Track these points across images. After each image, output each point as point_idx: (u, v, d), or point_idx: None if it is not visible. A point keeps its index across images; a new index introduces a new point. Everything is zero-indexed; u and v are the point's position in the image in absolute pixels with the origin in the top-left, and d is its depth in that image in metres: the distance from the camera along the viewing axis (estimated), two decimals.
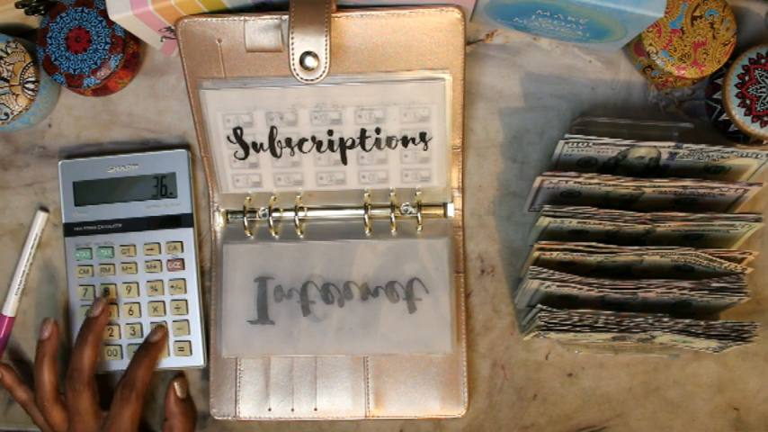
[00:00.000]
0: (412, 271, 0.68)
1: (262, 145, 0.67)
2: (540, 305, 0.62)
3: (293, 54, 0.61)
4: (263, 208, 0.71)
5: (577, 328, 0.62)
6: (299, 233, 0.70)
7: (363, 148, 0.67)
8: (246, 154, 0.68)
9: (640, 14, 0.58)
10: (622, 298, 0.62)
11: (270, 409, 0.70)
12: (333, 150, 0.67)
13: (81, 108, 0.74)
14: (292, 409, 0.70)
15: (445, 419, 0.71)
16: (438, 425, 0.71)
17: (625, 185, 0.62)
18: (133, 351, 0.70)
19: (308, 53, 0.61)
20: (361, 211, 0.70)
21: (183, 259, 0.71)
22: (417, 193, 0.69)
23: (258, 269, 0.70)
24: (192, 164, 0.72)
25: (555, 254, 0.62)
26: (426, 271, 0.68)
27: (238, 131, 0.67)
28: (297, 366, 0.70)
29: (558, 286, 0.62)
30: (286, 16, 0.61)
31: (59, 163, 0.72)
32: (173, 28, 0.64)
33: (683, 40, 0.65)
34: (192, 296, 0.71)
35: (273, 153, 0.68)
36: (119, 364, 0.71)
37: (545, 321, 0.62)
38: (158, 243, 0.71)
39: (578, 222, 0.62)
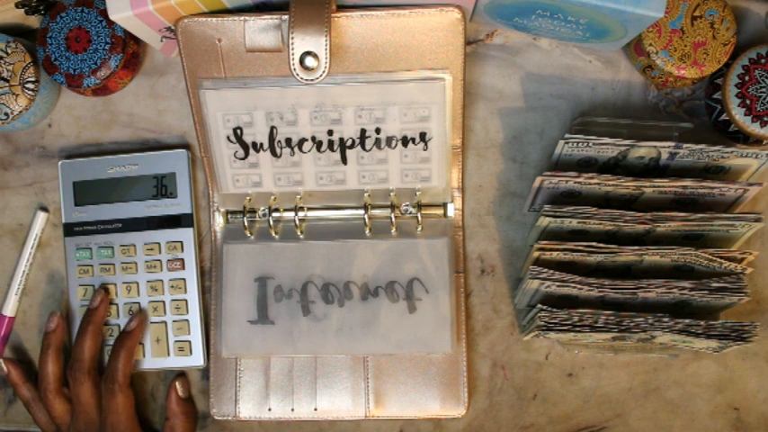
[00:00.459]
0: (412, 271, 0.68)
1: (262, 145, 0.67)
2: (540, 305, 0.62)
3: (293, 54, 0.61)
4: (263, 208, 0.71)
5: (577, 328, 0.62)
6: (299, 233, 0.70)
7: (363, 148, 0.67)
8: (246, 154, 0.68)
9: (640, 14, 0.58)
10: (622, 298, 0.62)
11: (270, 409, 0.70)
12: (333, 150, 0.67)
13: (81, 108, 0.74)
14: (292, 409, 0.70)
15: (445, 419, 0.71)
16: (438, 425, 0.71)
17: (625, 185, 0.62)
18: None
19: (308, 53, 0.61)
20: (361, 211, 0.70)
21: (183, 259, 0.71)
22: (417, 193, 0.69)
23: (258, 269, 0.70)
24: (192, 164, 0.72)
25: (555, 254, 0.62)
26: (426, 271, 0.68)
27: (238, 131, 0.67)
28: (297, 366, 0.70)
29: (558, 286, 0.62)
30: (286, 16, 0.61)
31: (59, 163, 0.72)
32: (173, 28, 0.64)
33: (683, 40, 0.65)
34: (192, 296, 0.71)
35: (273, 153, 0.68)
36: None
37: (545, 321, 0.62)
38: (158, 243, 0.71)
39: (578, 222, 0.62)
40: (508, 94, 0.71)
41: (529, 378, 0.70)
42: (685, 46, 0.65)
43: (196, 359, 0.71)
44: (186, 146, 0.72)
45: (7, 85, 0.69)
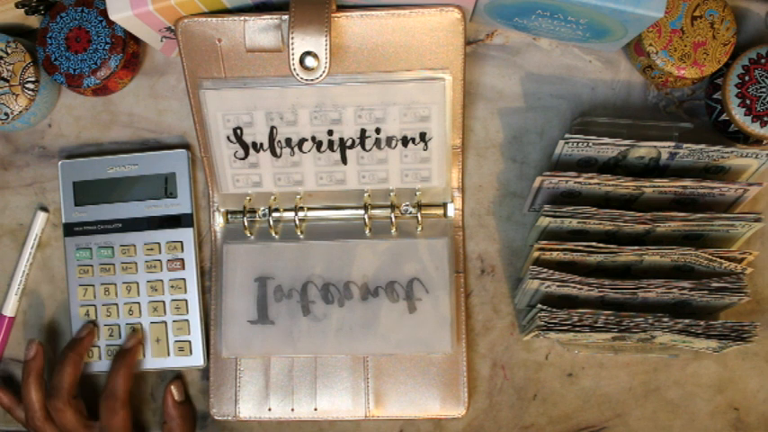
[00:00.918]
0: (412, 271, 0.68)
1: (262, 145, 0.67)
2: (540, 305, 0.62)
3: (293, 54, 0.61)
4: (263, 208, 0.71)
5: (577, 328, 0.62)
6: (299, 233, 0.70)
7: (363, 148, 0.67)
8: (246, 154, 0.68)
9: (640, 14, 0.58)
10: (622, 298, 0.62)
11: (270, 409, 0.70)
12: (333, 150, 0.67)
13: (81, 108, 0.74)
14: (292, 409, 0.70)
15: (445, 419, 0.71)
16: (438, 425, 0.71)
17: (625, 185, 0.62)
18: None
19: (308, 53, 0.61)
20: (361, 211, 0.70)
21: (183, 259, 0.71)
22: (417, 193, 0.69)
23: (258, 269, 0.70)
24: (192, 164, 0.72)
25: (555, 254, 0.62)
26: (426, 271, 0.68)
27: (238, 131, 0.67)
28: (297, 366, 0.70)
29: (557, 286, 0.62)
30: (286, 16, 0.61)
31: (59, 163, 0.72)
32: (173, 28, 0.64)
33: (683, 40, 0.65)
34: (192, 296, 0.71)
35: (273, 153, 0.68)
36: None
37: (545, 321, 0.62)
38: (158, 243, 0.71)
39: (578, 222, 0.62)
40: (508, 94, 0.71)
41: (529, 378, 0.70)
42: (685, 46, 0.65)
43: (196, 359, 0.71)
44: (186, 146, 0.72)
45: (7, 85, 0.69)
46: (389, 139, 0.67)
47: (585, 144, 0.62)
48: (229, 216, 0.71)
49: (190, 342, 0.71)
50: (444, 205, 0.70)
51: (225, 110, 0.66)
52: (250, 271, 0.70)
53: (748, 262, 0.62)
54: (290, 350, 0.69)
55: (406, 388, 0.69)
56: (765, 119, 0.64)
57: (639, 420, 0.70)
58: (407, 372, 0.69)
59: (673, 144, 0.62)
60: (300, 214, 0.70)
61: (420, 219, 0.69)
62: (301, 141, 0.67)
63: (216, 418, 0.70)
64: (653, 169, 0.65)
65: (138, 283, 0.71)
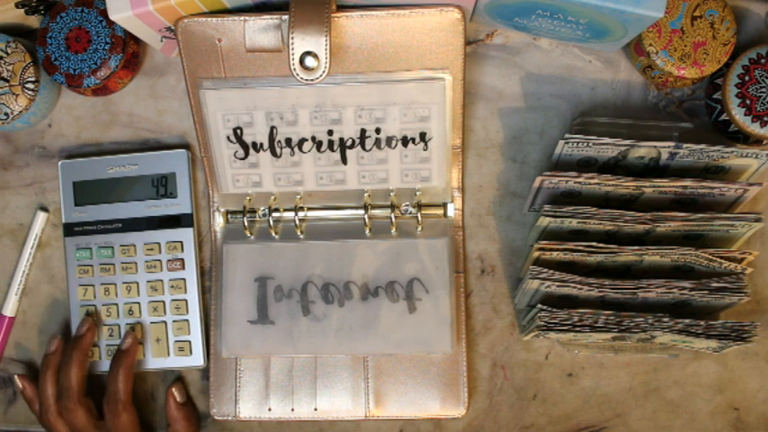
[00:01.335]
0: (412, 271, 0.68)
1: (262, 145, 0.67)
2: (540, 305, 0.62)
3: (293, 54, 0.61)
4: (263, 208, 0.71)
5: (577, 328, 0.62)
6: (299, 233, 0.70)
7: (363, 148, 0.67)
8: (246, 154, 0.68)
9: (640, 14, 0.58)
10: (622, 298, 0.62)
11: (270, 409, 0.70)
12: (333, 150, 0.67)
13: (81, 108, 0.74)
14: (292, 409, 0.70)
15: (445, 419, 0.71)
16: (438, 425, 0.71)
17: (625, 185, 0.62)
18: None
19: (308, 53, 0.61)
20: (361, 211, 0.70)
21: (183, 259, 0.71)
22: (417, 193, 0.69)
23: (258, 269, 0.70)
24: (192, 164, 0.72)
25: (555, 254, 0.62)
26: (426, 271, 0.68)
27: (238, 131, 0.67)
28: (297, 366, 0.70)
29: (557, 286, 0.62)
30: (286, 16, 0.61)
31: (59, 163, 0.72)
32: (173, 28, 0.64)
33: (683, 40, 0.65)
34: (192, 296, 0.71)
35: (273, 153, 0.68)
36: None
37: (545, 321, 0.62)
38: (158, 243, 0.71)
39: (578, 222, 0.62)
40: (508, 94, 0.71)
41: (529, 378, 0.70)
42: (685, 46, 0.65)
43: (196, 359, 0.71)
44: (186, 146, 0.72)
45: (7, 85, 0.69)
46: (389, 139, 0.67)
47: (585, 144, 0.62)
48: (229, 216, 0.71)
49: (190, 342, 0.71)
50: (444, 205, 0.70)
51: (225, 110, 0.66)
52: (250, 271, 0.70)
53: (748, 262, 0.62)
54: (290, 350, 0.69)
55: (406, 388, 0.69)
56: (765, 119, 0.64)
57: (639, 420, 0.70)
58: (407, 372, 0.69)
59: (673, 144, 0.62)
60: (300, 214, 0.70)
61: (420, 219, 0.69)
62: (301, 141, 0.67)
63: (216, 418, 0.70)
64: (653, 169, 0.65)
65: (138, 283, 0.71)
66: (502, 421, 0.70)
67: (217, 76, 0.65)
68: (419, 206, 0.69)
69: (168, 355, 0.71)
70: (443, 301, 0.67)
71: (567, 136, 0.62)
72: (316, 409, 0.70)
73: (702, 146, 0.62)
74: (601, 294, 0.62)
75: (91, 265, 0.71)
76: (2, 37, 0.69)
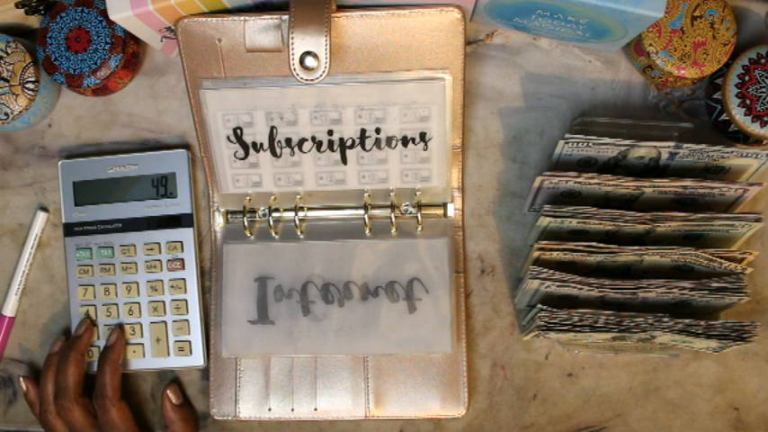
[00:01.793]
0: (412, 271, 0.68)
1: (262, 145, 0.67)
2: (540, 305, 0.62)
3: (293, 54, 0.61)
4: (263, 208, 0.71)
5: (577, 328, 0.62)
6: (299, 233, 0.70)
7: (363, 148, 0.67)
8: (246, 154, 0.68)
9: (640, 14, 0.58)
10: (622, 298, 0.62)
11: (270, 409, 0.70)
12: (333, 150, 0.67)
13: (81, 108, 0.74)
14: (292, 409, 0.70)
15: (445, 419, 0.71)
16: (438, 425, 0.71)
17: (625, 185, 0.62)
18: (133, 351, 0.71)
19: (308, 53, 0.61)
20: (361, 211, 0.70)
21: (183, 259, 0.71)
22: (417, 193, 0.69)
23: (258, 269, 0.70)
24: (192, 164, 0.72)
25: (555, 254, 0.62)
26: (426, 271, 0.68)
27: (238, 131, 0.67)
28: (297, 366, 0.70)
29: (557, 286, 0.62)
30: (286, 16, 0.61)
31: (59, 163, 0.72)
32: (173, 28, 0.64)
33: (683, 40, 0.65)
34: (192, 296, 0.71)
35: (273, 153, 0.68)
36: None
37: (545, 321, 0.62)
38: (158, 243, 0.71)
39: (578, 222, 0.62)
40: (508, 94, 0.71)
41: (529, 378, 0.70)
42: (685, 46, 0.65)
43: (196, 359, 0.71)
44: (186, 146, 0.72)
45: (7, 85, 0.69)
46: (389, 139, 0.67)
47: (585, 144, 0.62)
48: (229, 216, 0.71)
49: (190, 342, 0.71)
50: (444, 205, 0.70)
51: (225, 110, 0.66)
52: (250, 271, 0.70)
53: (748, 262, 0.62)
54: (290, 350, 0.69)
55: (406, 388, 0.69)
56: (765, 119, 0.64)
57: (639, 420, 0.70)
58: (407, 372, 0.69)
59: (673, 144, 0.62)
60: (300, 214, 0.70)
61: (420, 219, 0.69)
62: (301, 141, 0.67)
63: (216, 418, 0.70)
64: (653, 169, 0.65)
65: (138, 283, 0.71)
66: (502, 421, 0.70)
67: (217, 76, 0.65)
68: (419, 206, 0.69)
69: (168, 355, 0.71)
70: (443, 301, 0.67)
71: (567, 136, 0.62)
72: (316, 409, 0.70)
73: (702, 146, 0.62)
74: (601, 294, 0.62)
75: (91, 265, 0.71)
76: (2, 37, 0.69)
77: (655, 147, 0.62)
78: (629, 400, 0.70)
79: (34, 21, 0.73)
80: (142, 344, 0.71)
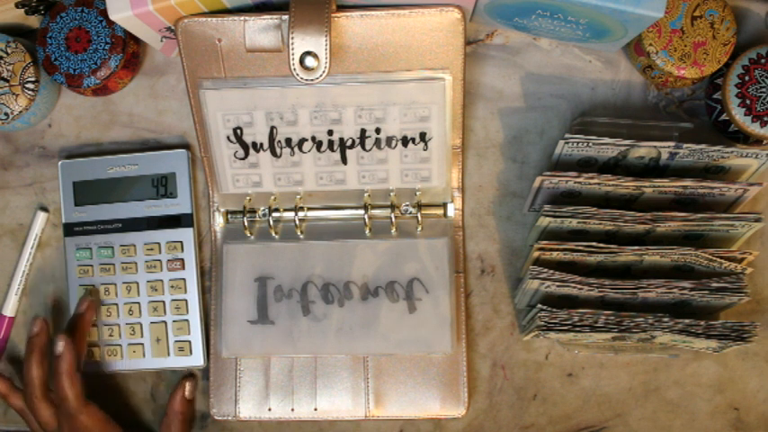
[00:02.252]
0: (412, 271, 0.68)
1: (262, 145, 0.67)
2: (540, 305, 0.62)
3: (293, 54, 0.61)
4: (263, 208, 0.71)
5: (577, 328, 0.62)
6: (299, 233, 0.70)
7: (363, 148, 0.67)
8: (246, 154, 0.68)
9: (640, 14, 0.58)
10: (622, 298, 0.62)
11: (270, 409, 0.70)
12: (333, 150, 0.67)
13: (81, 108, 0.74)
14: (292, 409, 0.70)
15: (445, 419, 0.70)
16: (438, 425, 0.71)
17: (625, 185, 0.62)
18: (133, 351, 0.71)
19: (308, 53, 0.61)
20: (361, 211, 0.70)
21: (183, 259, 0.71)
22: (417, 193, 0.69)
23: (258, 269, 0.70)
24: (192, 164, 0.72)
25: (555, 254, 0.62)
26: (426, 271, 0.68)
27: (238, 131, 0.67)
28: (297, 366, 0.70)
29: (557, 286, 0.62)
30: (286, 16, 0.61)
31: (59, 163, 0.72)
32: (173, 28, 0.64)
33: (683, 40, 0.65)
34: (192, 296, 0.71)
35: (273, 153, 0.68)
36: (119, 364, 0.71)
37: (545, 321, 0.62)
38: (158, 243, 0.71)
39: (578, 222, 0.62)
40: (508, 94, 0.71)
41: (529, 378, 0.70)
42: (685, 46, 0.65)
43: (196, 359, 0.71)
44: (186, 146, 0.72)
45: (7, 85, 0.69)
46: (389, 139, 0.67)
47: (585, 144, 0.62)
48: (229, 216, 0.71)
49: (190, 342, 0.71)
50: (444, 205, 0.70)
51: (225, 110, 0.66)
52: (250, 271, 0.70)
53: (748, 262, 0.62)
54: (290, 350, 0.69)
55: (406, 388, 0.69)
56: (765, 119, 0.64)
57: (639, 420, 0.70)
58: (407, 372, 0.69)
59: (673, 144, 0.62)
60: (300, 214, 0.70)
61: (420, 219, 0.69)
62: (301, 141, 0.67)
63: (216, 418, 0.70)
64: (653, 169, 0.65)
65: (138, 283, 0.71)
66: (502, 421, 0.70)
67: (217, 76, 0.65)
68: (419, 206, 0.69)
69: (168, 355, 0.71)
70: (443, 301, 0.67)
71: (567, 136, 0.62)
72: (316, 409, 0.70)
73: (702, 146, 0.62)
74: (601, 294, 0.62)
75: (91, 265, 0.71)
76: (2, 37, 0.69)
77: (655, 147, 0.62)
78: (629, 400, 0.70)
79: (34, 21, 0.73)
80: (142, 344, 0.71)
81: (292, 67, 0.61)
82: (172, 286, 0.71)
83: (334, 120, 0.66)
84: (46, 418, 0.67)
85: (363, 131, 0.66)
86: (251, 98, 0.65)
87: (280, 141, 0.67)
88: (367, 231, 0.69)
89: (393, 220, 0.68)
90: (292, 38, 0.60)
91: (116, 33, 0.68)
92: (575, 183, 0.63)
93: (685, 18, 0.65)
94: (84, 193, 0.72)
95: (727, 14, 0.65)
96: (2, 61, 0.69)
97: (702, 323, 0.61)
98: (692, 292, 0.61)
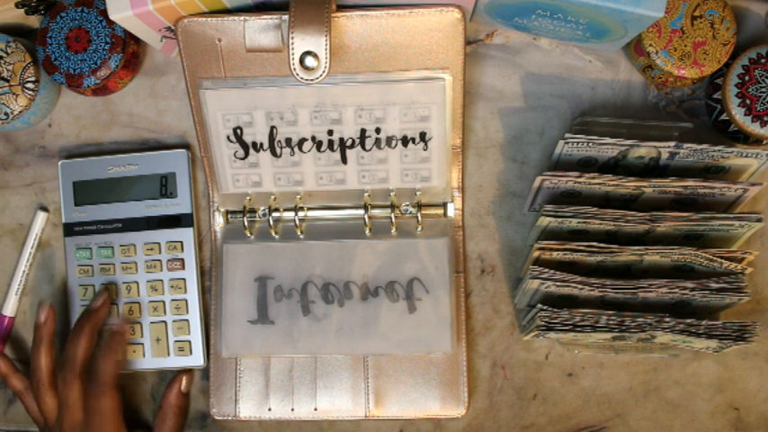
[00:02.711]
0: (412, 271, 0.68)
1: (262, 145, 0.67)
2: (540, 305, 0.62)
3: (293, 54, 0.61)
4: (263, 208, 0.71)
5: (578, 328, 0.62)
6: (298, 233, 0.70)
7: (363, 147, 0.67)
8: (246, 154, 0.68)
9: (640, 14, 0.58)
10: (623, 298, 0.62)
11: (270, 409, 0.70)
12: (333, 150, 0.67)
13: (81, 108, 0.74)
14: (292, 409, 0.70)
15: (445, 419, 0.70)
16: (438, 425, 0.71)
17: (625, 185, 0.62)
18: (133, 351, 0.70)
19: (308, 53, 0.61)
20: (361, 211, 0.70)
21: (183, 259, 0.71)
22: (417, 192, 0.69)
23: (258, 269, 0.70)
24: (192, 164, 0.72)
25: (555, 254, 0.62)
26: (426, 271, 0.68)
27: (238, 131, 0.67)
28: (297, 366, 0.70)
29: (558, 286, 0.62)
30: (286, 16, 0.61)
31: (59, 163, 0.72)
32: (173, 28, 0.64)
33: (683, 40, 0.65)
34: (192, 296, 0.71)
35: (273, 153, 0.68)
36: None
37: (545, 321, 0.62)
38: (158, 243, 0.71)
39: (578, 222, 0.62)
40: (508, 94, 0.71)
41: (529, 378, 0.70)
42: (685, 46, 0.65)
43: (196, 359, 0.71)
44: (186, 146, 0.72)
45: (7, 85, 0.69)
46: (389, 139, 0.67)
47: (586, 144, 0.62)
48: (229, 216, 0.71)
49: (190, 342, 0.71)
50: (444, 205, 0.70)
51: (225, 110, 0.66)
52: (250, 271, 0.70)
53: (748, 262, 0.62)
54: (290, 350, 0.69)
55: (406, 388, 0.69)
56: (765, 119, 0.64)
57: (639, 420, 0.70)
58: (407, 372, 0.69)
59: (673, 144, 0.62)
60: (300, 214, 0.70)
61: (420, 219, 0.69)
62: (301, 141, 0.67)
63: (216, 418, 0.70)
64: (653, 169, 0.65)
65: (138, 283, 0.71)
66: (502, 421, 0.70)
67: (217, 76, 0.65)
68: (419, 206, 0.69)
69: (168, 354, 0.71)
70: (443, 300, 0.67)
71: (567, 136, 0.62)
72: (316, 409, 0.70)
73: (703, 146, 0.62)
74: (601, 294, 0.62)
75: (91, 265, 0.71)
76: (2, 37, 0.69)
77: (655, 147, 0.62)
78: (629, 400, 0.70)
79: (34, 21, 0.73)
80: (142, 344, 0.71)
81: (292, 67, 0.61)
82: (172, 286, 0.71)
83: (334, 120, 0.66)
84: (49, 408, 0.67)
85: (363, 131, 0.66)
86: (251, 98, 0.65)
87: (280, 141, 0.67)
88: (367, 231, 0.69)
89: (393, 219, 0.68)
90: (292, 38, 0.60)
91: (116, 33, 0.68)
92: (575, 183, 0.63)
93: (685, 18, 0.65)
94: (85, 192, 0.72)
95: (727, 14, 0.65)
96: (2, 61, 0.69)
97: (703, 323, 0.61)
98: (693, 292, 0.61)
